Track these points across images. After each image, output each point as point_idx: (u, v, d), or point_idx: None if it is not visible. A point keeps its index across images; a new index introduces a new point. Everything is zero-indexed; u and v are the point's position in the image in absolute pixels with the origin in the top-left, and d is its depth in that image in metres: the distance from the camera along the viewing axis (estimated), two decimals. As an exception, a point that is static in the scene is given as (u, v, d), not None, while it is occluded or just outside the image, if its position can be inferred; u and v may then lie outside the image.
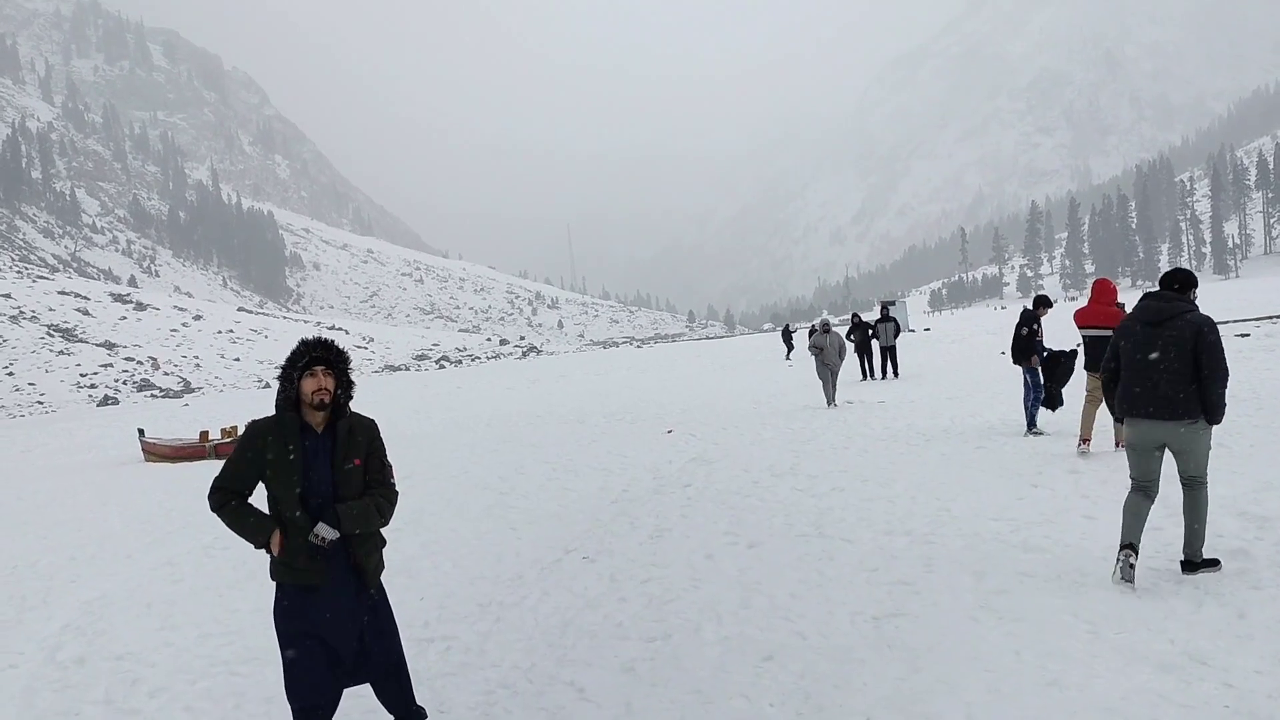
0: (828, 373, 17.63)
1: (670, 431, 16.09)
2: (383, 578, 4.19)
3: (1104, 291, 9.81)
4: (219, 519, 3.95)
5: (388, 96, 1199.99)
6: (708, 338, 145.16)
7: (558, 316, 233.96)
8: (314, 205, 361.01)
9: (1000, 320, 62.10)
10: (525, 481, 12.12)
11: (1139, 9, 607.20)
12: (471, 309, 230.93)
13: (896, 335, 24.20)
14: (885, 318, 24.43)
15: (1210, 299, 56.20)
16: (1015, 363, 11.82)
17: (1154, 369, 5.51)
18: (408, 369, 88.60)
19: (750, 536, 7.86)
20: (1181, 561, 5.73)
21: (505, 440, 17.54)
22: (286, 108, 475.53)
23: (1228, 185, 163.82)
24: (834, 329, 18.72)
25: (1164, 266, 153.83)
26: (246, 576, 8.22)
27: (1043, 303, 11.77)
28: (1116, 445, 9.50)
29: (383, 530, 4.12)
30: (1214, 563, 5.69)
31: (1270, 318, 27.63)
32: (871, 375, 23.73)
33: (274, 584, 4.00)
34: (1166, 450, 5.65)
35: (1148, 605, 5.27)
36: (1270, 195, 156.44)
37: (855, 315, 25.19)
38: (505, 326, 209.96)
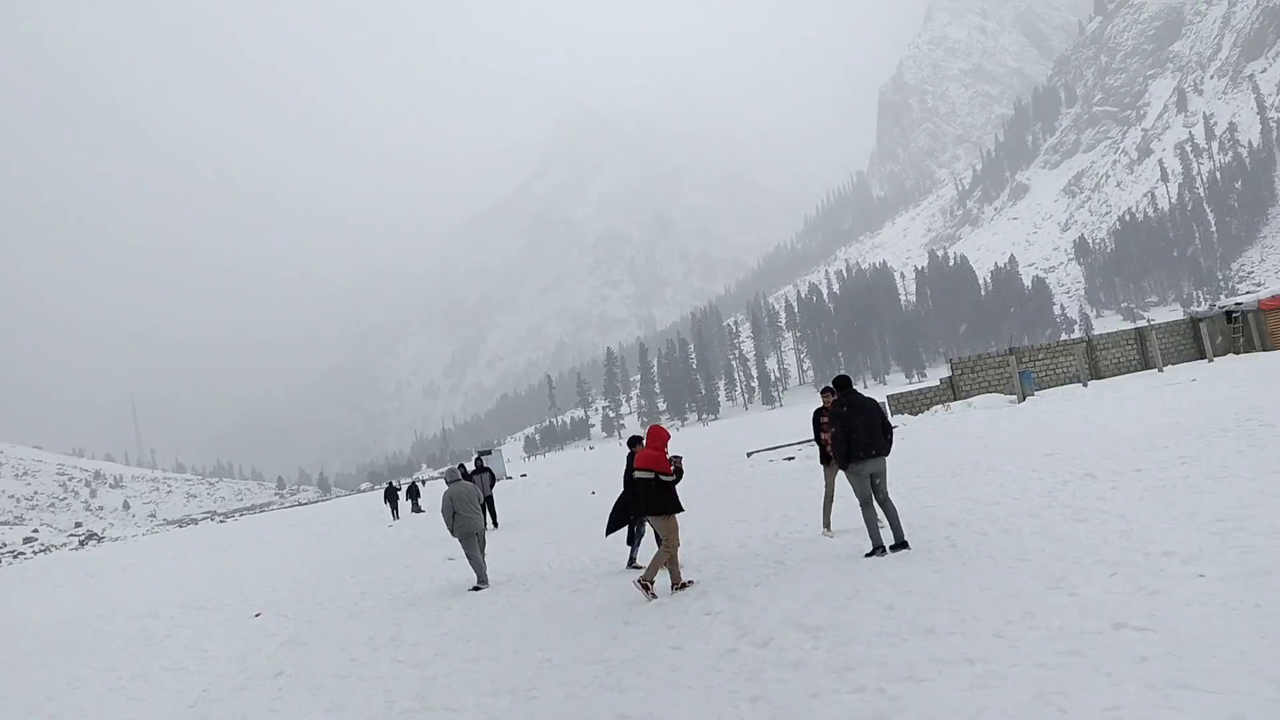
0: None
1: (259, 615, 14.80)
2: None
3: (656, 437, 10.35)
4: None
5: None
6: (300, 504, 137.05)
7: (123, 496, 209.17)
8: None
9: (588, 460, 65.33)
10: (82, 698, 10.43)
11: (680, 177, 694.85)
12: (12, 497, 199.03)
13: (493, 485, 24.49)
14: (480, 468, 24.69)
15: (760, 428, 63.45)
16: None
17: (870, 429, 9.86)
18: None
19: (349, 722, 7.36)
20: (893, 545, 9.79)
21: (57, 650, 15.05)
22: None
23: (765, 327, 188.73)
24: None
25: (723, 401, 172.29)
26: None
27: (635, 443, 12.37)
28: (675, 587, 9.96)
29: None
30: (907, 544, 9.78)
31: (809, 441, 31.80)
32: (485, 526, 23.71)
33: None
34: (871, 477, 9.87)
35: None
36: (798, 334, 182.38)
37: (461, 466, 25.28)
38: (57, 514, 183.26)
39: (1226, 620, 5.79)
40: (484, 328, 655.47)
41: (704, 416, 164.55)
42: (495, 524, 23.62)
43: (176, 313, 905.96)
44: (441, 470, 61.74)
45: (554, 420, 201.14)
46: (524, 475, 57.38)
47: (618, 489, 27.50)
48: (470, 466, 29.91)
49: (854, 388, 10.44)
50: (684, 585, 10.09)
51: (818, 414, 12.55)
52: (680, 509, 10.08)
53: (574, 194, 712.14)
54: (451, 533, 13.38)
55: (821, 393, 12.45)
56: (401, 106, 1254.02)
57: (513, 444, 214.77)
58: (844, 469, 10.06)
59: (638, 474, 10.15)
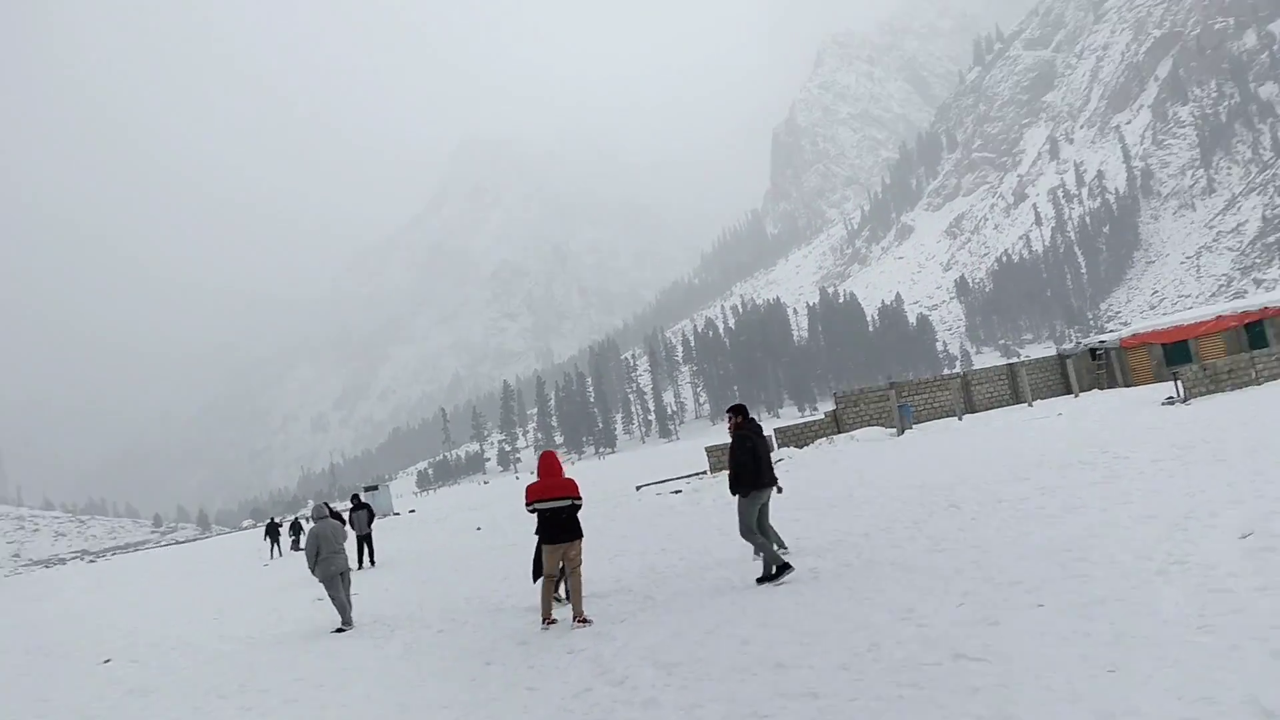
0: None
1: (108, 661, 13.98)
2: None
3: (552, 464, 10.15)
4: None
5: None
6: (178, 542, 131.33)
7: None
8: None
9: (481, 495, 64.39)
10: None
11: (579, 211, 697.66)
12: None
13: (371, 522, 23.86)
14: (358, 506, 24.07)
15: (655, 462, 63.66)
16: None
17: (768, 457, 10.26)
18: None
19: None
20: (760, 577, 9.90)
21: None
22: None
23: (662, 361, 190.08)
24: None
25: (620, 434, 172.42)
26: None
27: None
28: (576, 621, 9.71)
29: None
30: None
31: (697, 474, 31.99)
32: (361, 564, 23.04)
33: None
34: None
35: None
36: (694, 368, 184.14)
37: (326, 504, 24.53)
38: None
39: (1058, 650, 5.93)
40: (376, 360, 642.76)
41: (601, 450, 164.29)
42: (372, 562, 22.98)
43: (44, 340, 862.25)
44: (308, 508, 59.84)
45: (448, 455, 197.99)
46: (412, 511, 56.22)
47: (507, 525, 27.18)
48: (348, 504, 29.14)
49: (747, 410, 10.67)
50: (552, 621, 9.98)
51: None
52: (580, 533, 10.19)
53: (472, 225, 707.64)
54: (312, 572, 12.91)
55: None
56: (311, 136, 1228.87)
57: (405, 479, 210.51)
58: (747, 494, 10.10)
59: (557, 504, 9.94)
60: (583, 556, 10.20)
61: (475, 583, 15.14)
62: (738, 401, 11.75)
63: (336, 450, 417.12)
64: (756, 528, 10.14)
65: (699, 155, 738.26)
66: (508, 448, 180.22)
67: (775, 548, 10.36)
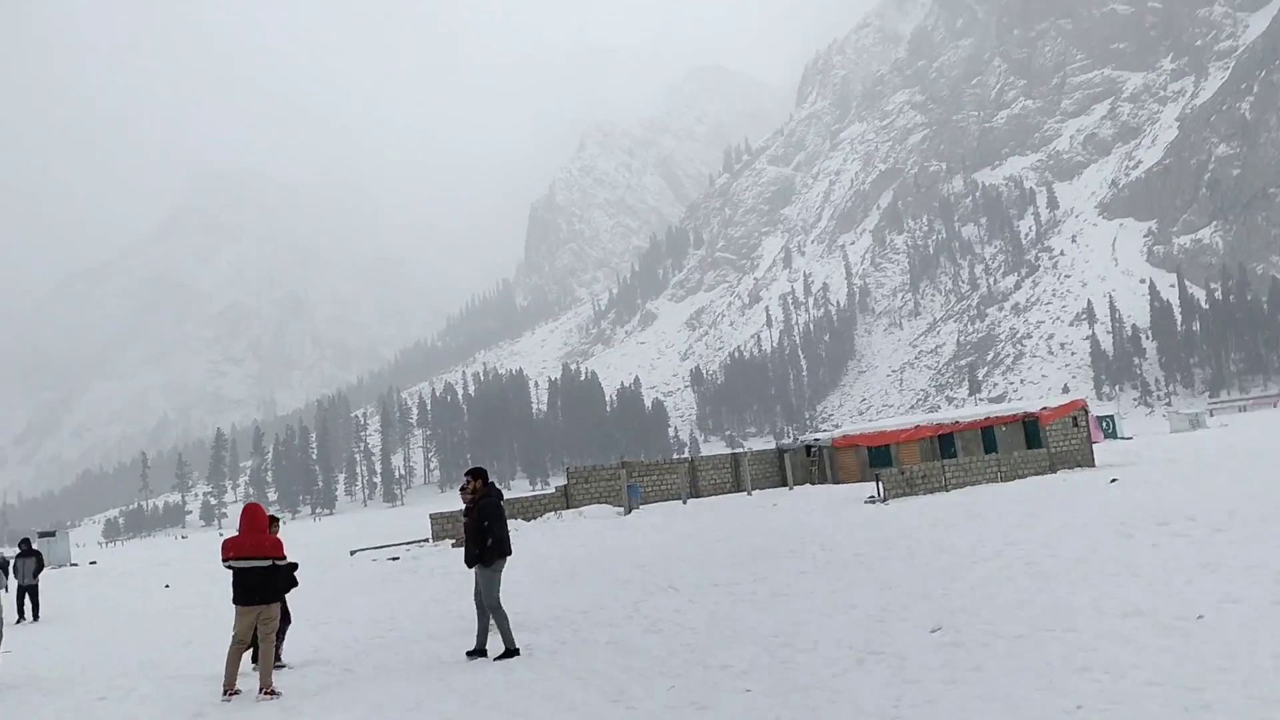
0: None
1: None
2: None
3: (255, 518, 9.28)
4: None
5: None
6: None
7: None
8: None
9: (177, 550, 59.00)
10: None
11: (321, 258, 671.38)
12: None
13: (38, 572, 21.05)
14: (26, 552, 21.20)
15: (375, 527, 61.18)
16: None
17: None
18: None
19: None
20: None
21: None
22: None
23: (395, 422, 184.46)
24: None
25: (341, 495, 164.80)
26: None
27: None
28: (262, 693, 8.81)
29: None
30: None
31: (418, 541, 30.84)
32: (21, 617, 20.16)
33: None
34: None
35: None
36: (428, 432, 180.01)
37: (24, 541, 21.92)
38: None
39: (762, 735, 5.95)
40: (72, 393, 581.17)
41: (319, 511, 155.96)
42: (35, 616, 20.24)
43: None
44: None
45: (144, 504, 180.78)
46: (93, 563, 50.51)
47: (201, 583, 24.84)
48: (16, 549, 25.69)
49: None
50: (235, 692, 9.00)
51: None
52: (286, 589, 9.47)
53: (202, 259, 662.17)
54: None
55: (461, 491, 11.72)
56: (6, 138, 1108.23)
57: (90, 527, 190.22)
58: (491, 564, 9.57)
59: (255, 563, 9.04)
60: (280, 623, 9.36)
61: (154, 645, 13.58)
62: (476, 466, 11.04)
63: (14, 489, 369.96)
64: (498, 603, 9.61)
65: (456, 218, 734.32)
66: (213, 501, 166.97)
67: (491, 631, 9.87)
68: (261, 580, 9.13)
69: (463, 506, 10.46)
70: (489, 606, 9.61)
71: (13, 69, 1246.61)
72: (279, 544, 9.36)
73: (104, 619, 19.26)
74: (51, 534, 54.23)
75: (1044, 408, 32.92)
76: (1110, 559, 10.98)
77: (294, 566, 10.18)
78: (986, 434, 32.89)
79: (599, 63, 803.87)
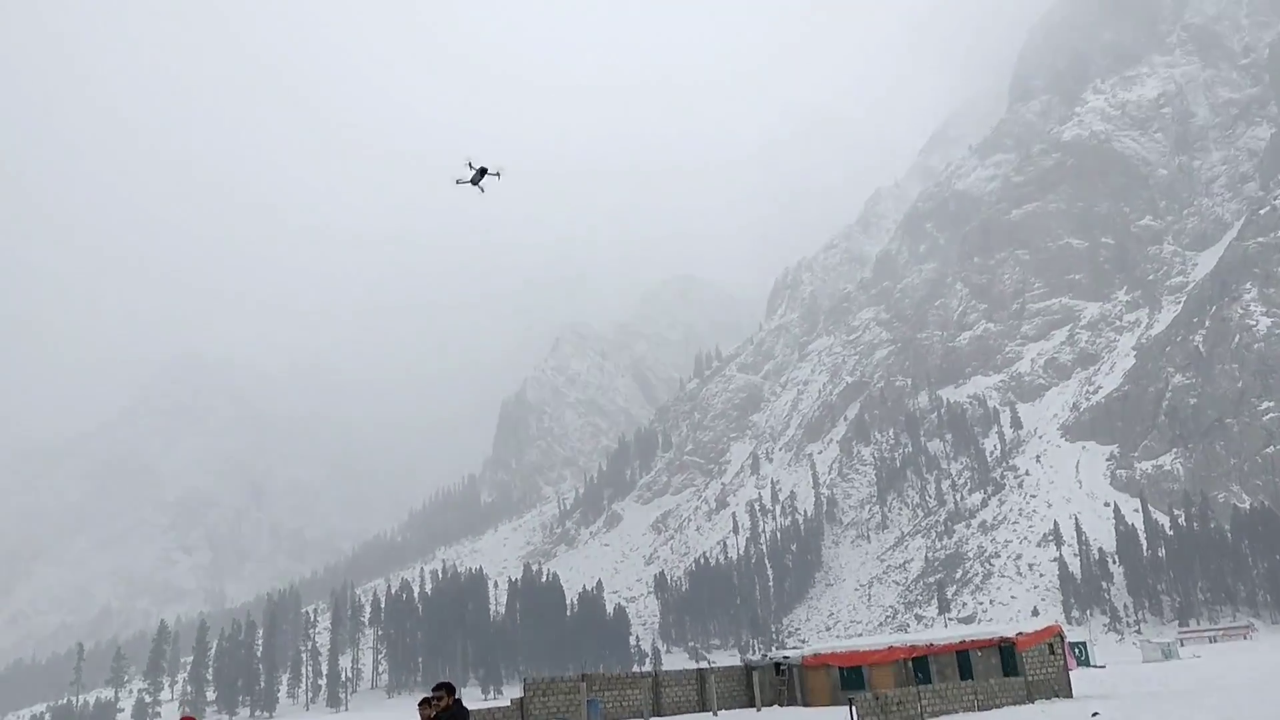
0: None
1: None
2: None
3: None
4: None
5: None
6: None
7: None
8: None
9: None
10: None
11: (285, 448, 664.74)
12: None
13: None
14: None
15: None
16: None
17: None
18: None
19: None
20: None
21: None
22: None
23: (346, 620, 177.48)
24: None
25: (284, 697, 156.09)
26: None
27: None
28: None
29: None
30: None
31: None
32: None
33: None
34: None
35: None
36: (379, 633, 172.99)
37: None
38: None
39: None
40: (14, 578, 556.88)
41: (258, 712, 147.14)
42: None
43: None
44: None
45: (74, 699, 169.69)
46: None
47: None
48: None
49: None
50: None
51: None
52: None
53: (163, 444, 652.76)
54: None
55: (421, 704, 11.03)
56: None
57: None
58: None
59: None
60: None
61: None
62: (444, 679, 10.33)
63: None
64: None
65: (426, 411, 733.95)
66: (148, 698, 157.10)
67: None
68: None
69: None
70: None
71: None
72: None
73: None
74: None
75: (1019, 633, 32.09)
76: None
77: None
78: (962, 658, 31.86)
79: (576, 268, 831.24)
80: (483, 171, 31.75)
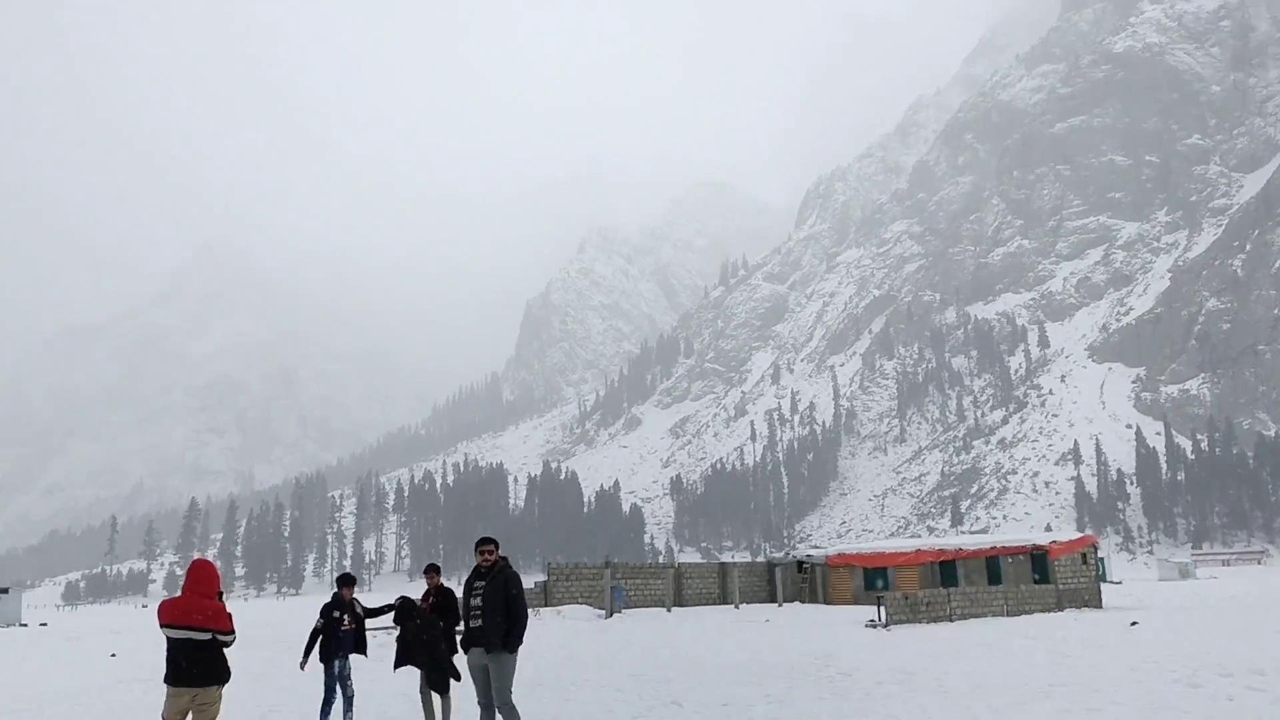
0: None
1: None
2: None
3: (203, 579, 7.46)
4: None
5: None
6: None
7: None
8: None
9: (133, 618, 56.60)
10: None
11: (314, 340, 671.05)
12: None
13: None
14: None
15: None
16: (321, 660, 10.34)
17: None
18: None
19: None
20: None
21: None
22: None
23: (371, 506, 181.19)
24: None
25: (310, 576, 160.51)
26: None
27: (346, 582, 10.84)
28: None
29: None
30: None
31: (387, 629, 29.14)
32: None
33: None
34: None
35: None
36: (403, 519, 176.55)
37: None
38: None
39: None
40: (49, 451, 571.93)
41: (284, 590, 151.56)
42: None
43: None
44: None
45: (109, 569, 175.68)
46: (43, 624, 48.36)
47: (149, 655, 23.19)
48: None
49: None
50: None
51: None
52: (229, 674, 7.56)
53: (194, 328, 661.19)
54: None
55: (427, 570, 10.78)
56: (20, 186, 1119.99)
57: (50, 588, 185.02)
58: (516, 647, 8.22)
59: (193, 633, 7.27)
60: (221, 708, 7.53)
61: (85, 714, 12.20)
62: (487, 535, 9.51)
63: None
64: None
65: (451, 310, 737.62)
66: (179, 570, 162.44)
67: None
68: (198, 654, 7.35)
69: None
70: (501, 705, 8.06)
71: (40, 112, 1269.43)
72: (225, 614, 7.50)
73: (31, 688, 17.31)
74: (4, 591, 52.07)
75: (1053, 541, 31.82)
76: (1186, 712, 9.88)
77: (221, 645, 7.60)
78: (991, 564, 31.67)
79: (605, 171, 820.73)
80: None
